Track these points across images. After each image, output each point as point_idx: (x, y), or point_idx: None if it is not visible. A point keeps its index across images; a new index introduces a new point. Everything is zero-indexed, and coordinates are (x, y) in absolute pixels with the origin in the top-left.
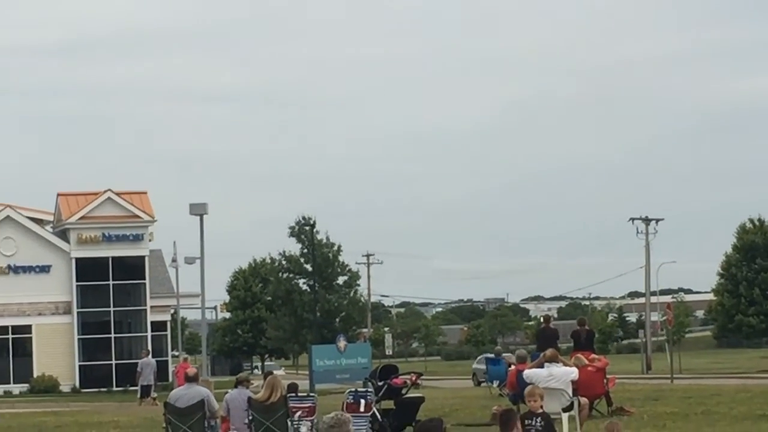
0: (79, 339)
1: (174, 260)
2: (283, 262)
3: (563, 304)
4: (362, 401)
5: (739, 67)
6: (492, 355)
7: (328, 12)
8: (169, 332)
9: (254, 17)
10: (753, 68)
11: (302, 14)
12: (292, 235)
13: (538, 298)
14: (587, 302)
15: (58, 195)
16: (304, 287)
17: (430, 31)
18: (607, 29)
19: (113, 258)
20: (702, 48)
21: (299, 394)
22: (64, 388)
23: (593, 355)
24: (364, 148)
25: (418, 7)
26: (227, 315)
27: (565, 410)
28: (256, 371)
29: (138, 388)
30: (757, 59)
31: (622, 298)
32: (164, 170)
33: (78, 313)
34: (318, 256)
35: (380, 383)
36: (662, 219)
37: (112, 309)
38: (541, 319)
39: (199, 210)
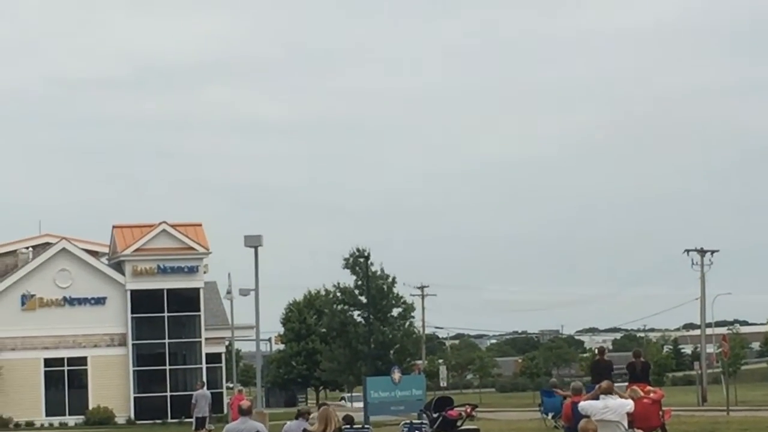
0: (134, 371)
1: (229, 292)
2: (338, 294)
3: (618, 335)
4: None
5: None
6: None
7: (382, 42)
8: (223, 364)
9: (310, 49)
10: None
11: (360, 45)
12: (346, 266)
13: (592, 330)
14: (642, 334)
15: (114, 227)
16: (359, 319)
17: (479, 61)
18: (661, 58)
19: (168, 290)
20: (760, 78)
21: (354, 426)
22: (120, 419)
23: (649, 387)
24: (419, 179)
25: (470, 36)
26: (281, 347)
27: None
28: (310, 402)
29: (193, 420)
30: None
31: (678, 330)
32: (219, 202)
33: (133, 344)
34: (372, 287)
35: (435, 415)
36: (717, 250)
37: (167, 341)
38: (596, 351)
39: (253, 242)
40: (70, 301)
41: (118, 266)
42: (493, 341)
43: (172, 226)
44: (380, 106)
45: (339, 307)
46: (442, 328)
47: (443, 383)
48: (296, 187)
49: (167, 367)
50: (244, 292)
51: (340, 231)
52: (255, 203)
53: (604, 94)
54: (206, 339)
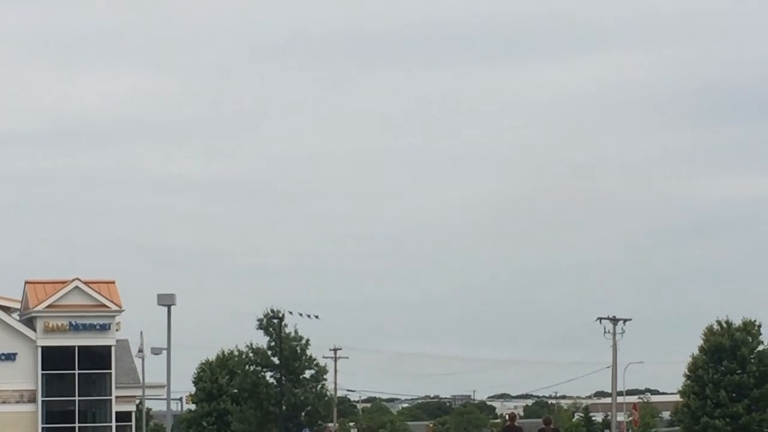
0: (43, 428)
1: (140, 350)
2: (251, 355)
3: (529, 402)
4: None
5: (709, 172)
6: None
7: (296, 104)
8: (134, 423)
9: (229, 109)
10: (722, 173)
11: (275, 106)
12: (260, 327)
13: (504, 396)
14: (553, 401)
15: (26, 283)
16: (271, 380)
17: (396, 125)
18: (583, 126)
19: (79, 347)
20: (675, 151)
21: None
22: None
23: None
24: (333, 242)
25: (394, 100)
26: (192, 407)
27: None
28: None
29: None
30: (730, 164)
31: (589, 397)
32: (134, 260)
33: (42, 401)
34: (285, 349)
35: None
36: (629, 319)
37: (77, 398)
38: (507, 417)
39: (167, 300)
40: None
41: (30, 322)
42: (405, 405)
43: (86, 283)
44: (294, 168)
45: (251, 367)
46: (354, 390)
47: None
48: (211, 246)
49: (77, 425)
50: (156, 351)
51: (255, 291)
52: (169, 262)
53: (519, 162)
54: (117, 397)
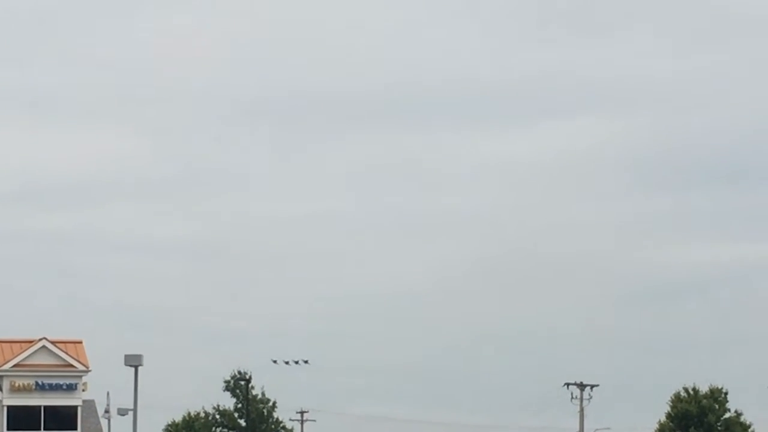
0: None
1: (107, 411)
2: (217, 417)
3: None
4: None
5: (678, 238)
6: None
7: (272, 165)
8: None
9: (198, 170)
10: (691, 240)
11: (249, 167)
12: (227, 389)
13: None
14: None
15: None
16: None
17: (367, 188)
18: (552, 191)
19: (45, 407)
20: (641, 216)
21: None
22: None
23: None
24: (303, 305)
25: (363, 161)
26: None
27: None
28: None
29: None
30: (698, 231)
31: None
32: (102, 320)
33: None
34: (252, 411)
35: None
36: (597, 385)
37: None
38: None
39: (134, 361)
40: None
41: None
42: None
43: (53, 342)
44: (262, 230)
45: (218, 429)
46: None
47: None
48: (179, 307)
49: None
50: (122, 412)
51: (223, 353)
52: (137, 322)
53: (487, 226)
54: None
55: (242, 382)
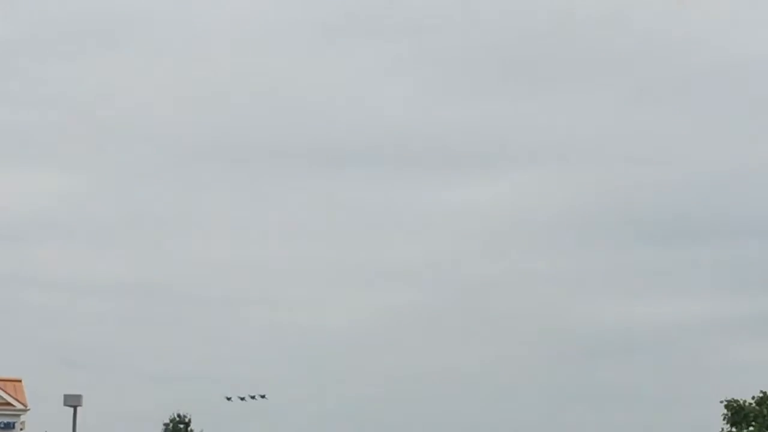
0: None
1: None
2: None
3: None
4: None
5: (615, 295)
6: None
7: (215, 211)
8: None
9: (143, 212)
10: (629, 296)
11: (192, 212)
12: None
13: None
14: None
15: None
16: None
17: (307, 236)
18: (490, 243)
19: None
20: (579, 272)
21: None
22: None
23: None
24: (241, 349)
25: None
26: None
27: None
28: None
29: None
30: (637, 286)
31: None
32: (42, 359)
33: None
34: None
35: None
36: None
37: None
38: None
39: (73, 401)
40: None
41: None
42: None
43: None
44: (204, 274)
45: None
46: None
47: None
48: (120, 348)
49: None
50: None
51: (162, 396)
52: (77, 362)
53: (423, 277)
54: None
55: (181, 425)
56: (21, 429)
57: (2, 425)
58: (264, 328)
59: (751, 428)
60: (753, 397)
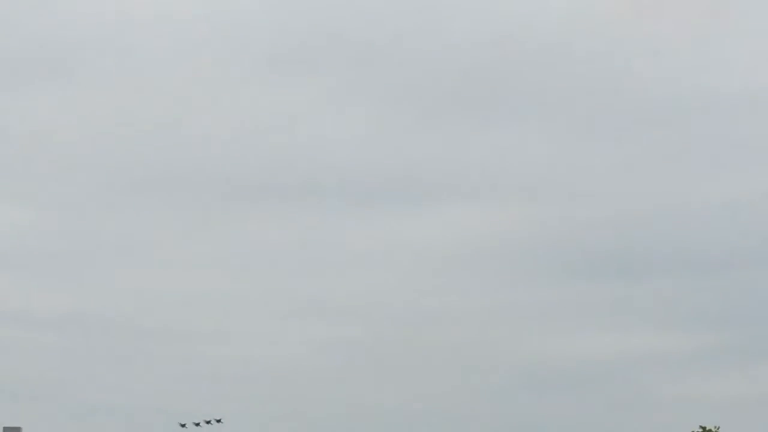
0: None
1: None
2: None
3: None
4: None
5: (559, 329)
6: None
7: (159, 242)
8: None
9: (89, 243)
10: (571, 330)
11: (137, 242)
12: None
13: None
14: None
15: None
16: None
17: (253, 269)
18: (438, 277)
19: None
20: (524, 305)
21: None
22: None
23: None
24: (188, 381)
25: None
26: None
27: None
28: None
29: None
30: (578, 321)
31: None
32: None
33: None
34: None
35: None
36: None
37: None
38: None
39: None
40: None
41: None
42: None
43: None
44: (150, 305)
45: None
46: None
47: None
48: (60, 380)
49: None
50: None
51: (106, 427)
52: (18, 394)
53: (371, 309)
54: None
55: None
56: None
57: None
58: (210, 360)
59: None
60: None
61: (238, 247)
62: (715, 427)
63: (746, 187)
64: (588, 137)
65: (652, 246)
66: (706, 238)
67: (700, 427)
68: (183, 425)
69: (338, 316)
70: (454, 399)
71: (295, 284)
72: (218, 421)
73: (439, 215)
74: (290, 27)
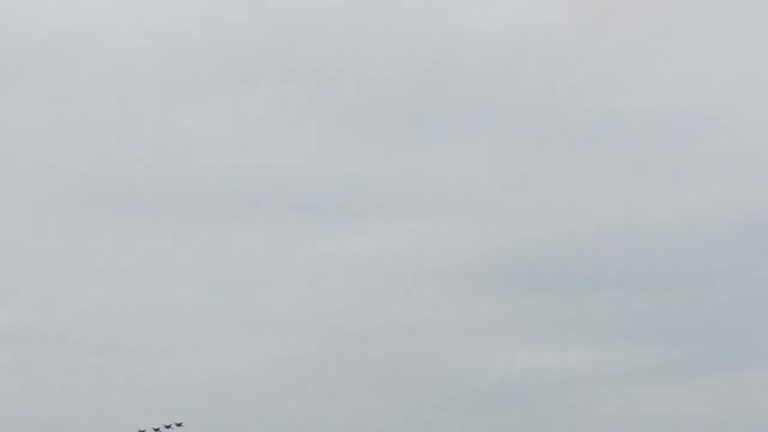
0: None
1: None
2: None
3: None
4: None
5: (502, 344)
6: None
7: (102, 255)
8: None
9: (17, 256)
10: (514, 345)
11: (73, 255)
12: None
13: None
14: None
15: None
16: None
17: (193, 283)
18: (377, 292)
19: None
20: (467, 320)
21: None
22: None
23: None
24: (141, 398)
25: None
26: None
27: None
28: None
29: None
30: (521, 336)
31: None
32: None
33: None
34: None
35: None
36: None
37: None
38: None
39: None
40: None
41: None
42: None
43: None
44: (86, 319)
45: None
46: None
47: None
48: (12, 398)
49: None
50: None
51: None
52: None
53: (310, 325)
54: None
55: None
56: None
57: None
58: (161, 375)
59: None
60: None
61: (186, 262)
62: None
63: (689, 206)
64: (535, 156)
65: (597, 264)
66: (649, 257)
67: None
68: (142, 431)
69: (278, 333)
70: (394, 414)
71: (244, 299)
72: (178, 425)
73: (388, 232)
74: (238, 45)
